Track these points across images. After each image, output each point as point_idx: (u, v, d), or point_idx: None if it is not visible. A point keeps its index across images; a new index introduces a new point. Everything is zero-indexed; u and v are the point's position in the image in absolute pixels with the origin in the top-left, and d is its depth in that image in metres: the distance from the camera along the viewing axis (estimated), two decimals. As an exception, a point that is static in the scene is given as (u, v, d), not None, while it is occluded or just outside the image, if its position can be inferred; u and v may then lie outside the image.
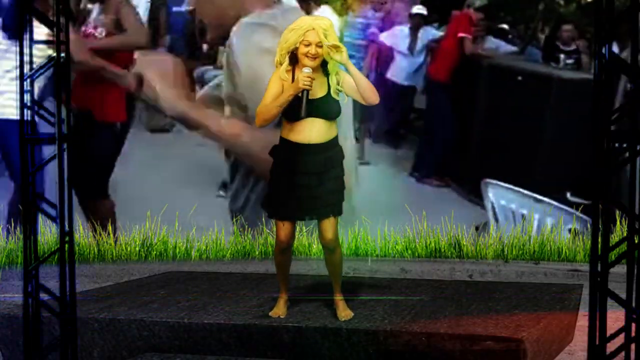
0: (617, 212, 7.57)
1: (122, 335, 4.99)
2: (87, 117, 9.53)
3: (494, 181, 9.62)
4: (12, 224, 9.34)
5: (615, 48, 3.77)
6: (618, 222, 8.74)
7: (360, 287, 5.84)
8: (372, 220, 9.36)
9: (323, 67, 4.87)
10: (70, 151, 4.07)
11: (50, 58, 4.05)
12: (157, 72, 9.58)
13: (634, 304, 3.83)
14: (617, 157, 3.83)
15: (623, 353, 3.89)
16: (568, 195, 9.40)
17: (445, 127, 9.99)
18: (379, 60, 10.11)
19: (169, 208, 9.31)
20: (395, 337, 4.60)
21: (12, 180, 9.29)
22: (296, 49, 4.81)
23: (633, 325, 3.86)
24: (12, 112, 8.74)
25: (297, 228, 7.61)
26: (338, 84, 4.87)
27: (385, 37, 10.09)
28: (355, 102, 4.98)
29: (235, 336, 4.84)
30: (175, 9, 10.35)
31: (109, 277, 8.11)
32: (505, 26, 10.02)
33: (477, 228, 9.48)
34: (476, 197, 9.74)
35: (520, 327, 4.63)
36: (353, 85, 4.84)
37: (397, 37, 10.09)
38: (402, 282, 6.32)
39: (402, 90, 10.19)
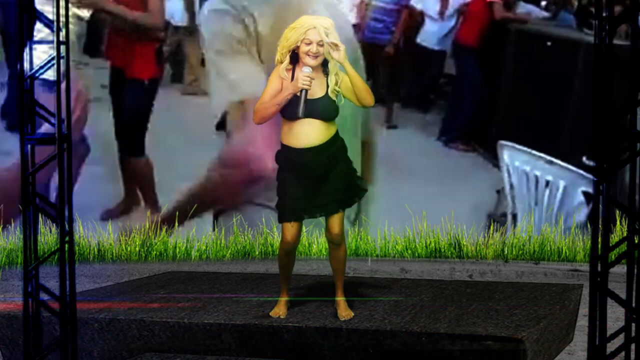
0: (617, 212, 7.58)
1: (122, 335, 4.99)
2: (119, 73, 9.67)
3: (509, 143, 9.64)
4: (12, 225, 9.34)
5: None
6: (618, 222, 8.75)
7: (360, 287, 5.84)
8: (393, 185, 9.41)
9: (324, 67, 4.87)
10: (70, 151, 4.07)
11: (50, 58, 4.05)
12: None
13: (634, 304, 3.83)
14: (617, 157, 3.83)
15: (623, 353, 3.89)
16: (584, 158, 9.42)
17: (473, 92, 9.98)
18: (409, 25, 10.07)
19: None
20: (395, 337, 4.60)
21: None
22: (297, 47, 4.81)
23: (633, 325, 3.86)
24: None
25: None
26: (336, 84, 4.87)
27: (415, 1, 10.06)
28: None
29: (235, 336, 4.84)
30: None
31: (109, 277, 8.11)
32: None
33: (493, 220, 9.49)
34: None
35: (520, 327, 4.63)
36: (351, 86, 4.85)
37: (427, 1, 10.05)
38: (402, 282, 6.31)
39: (432, 54, 10.16)
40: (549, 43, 9.71)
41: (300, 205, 4.88)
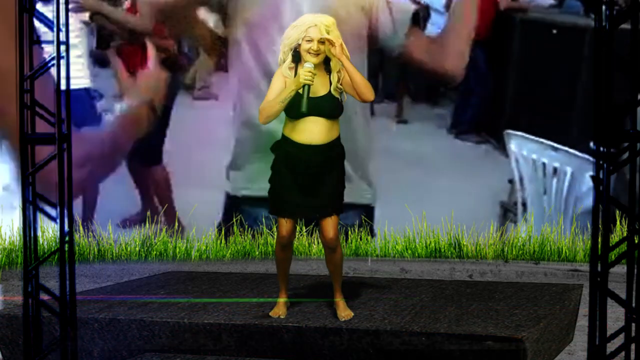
0: (617, 212, 7.58)
1: (122, 335, 4.99)
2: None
3: (516, 132, 9.67)
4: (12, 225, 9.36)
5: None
6: (618, 222, 8.75)
7: (360, 287, 5.84)
8: (406, 177, 9.44)
9: (326, 65, 4.87)
10: (70, 151, 4.07)
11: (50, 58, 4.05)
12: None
13: (634, 304, 3.83)
14: (617, 157, 3.83)
15: (623, 353, 3.89)
16: (591, 144, 9.45)
17: (482, 83, 9.99)
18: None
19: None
20: (395, 337, 4.60)
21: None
22: (298, 45, 4.81)
23: (633, 325, 3.86)
24: None
25: (297, 228, 7.60)
26: (338, 81, 4.87)
27: None
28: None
29: (235, 336, 4.84)
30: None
31: (109, 277, 8.11)
32: None
33: (507, 209, 9.50)
34: (513, 151, 9.88)
35: (520, 327, 4.63)
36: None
37: None
38: (402, 282, 6.31)
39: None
40: (554, 31, 9.72)
41: (295, 203, 4.88)
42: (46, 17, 4.06)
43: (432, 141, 9.85)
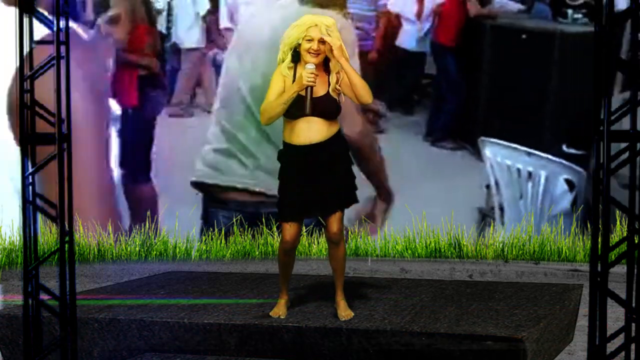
0: (617, 212, 7.58)
1: (122, 335, 4.99)
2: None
3: (490, 138, 9.73)
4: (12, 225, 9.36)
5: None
6: (618, 222, 8.75)
7: (360, 287, 5.84)
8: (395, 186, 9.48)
9: (325, 65, 4.87)
10: (70, 151, 4.07)
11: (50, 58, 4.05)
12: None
13: (634, 304, 3.83)
14: (617, 157, 3.83)
15: (623, 353, 3.89)
16: (564, 147, 9.52)
17: (454, 90, 10.05)
18: (388, 30, 10.12)
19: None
20: (395, 337, 4.60)
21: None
22: (298, 45, 4.81)
23: (633, 325, 3.86)
24: None
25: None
26: (337, 82, 4.87)
27: (392, 4, 10.10)
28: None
29: (235, 336, 4.84)
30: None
31: (109, 277, 8.11)
32: None
33: (484, 214, 9.52)
34: (488, 156, 9.93)
35: (520, 327, 4.63)
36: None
37: (404, 3, 10.10)
38: (402, 282, 6.32)
39: (412, 56, 10.21)
40: (524, 36, 9.77)
41: (300, 205, 4.88)
42: (46, 17, 4.06)
43: (409, 149, 9.88)
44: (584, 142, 9.37)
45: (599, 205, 3.80)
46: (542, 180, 9.55)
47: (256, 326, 4.83)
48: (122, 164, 9.95)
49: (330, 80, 4.87)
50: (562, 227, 9.35)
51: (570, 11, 9.72)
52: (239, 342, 4.83)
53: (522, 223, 9.46)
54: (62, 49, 4.04)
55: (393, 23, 10.11)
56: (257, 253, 9.54)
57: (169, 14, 10.12)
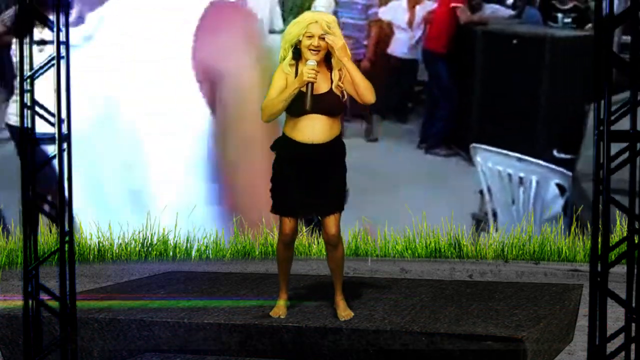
0: (617, 212, 7.58)
1: (122, 335, 4.99)
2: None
3: (481, 145, 9.76)
4: (12, 225, 9.36)
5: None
6: (618, 222, 8.75)
7: (360, 287, 5.84)
8: (385, 197, 9.46)
9: (327, 62, 4.87)
10: (70, 151, 4.07)
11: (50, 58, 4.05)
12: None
13: (634, 304, 3.83)
14: (617, 157, 3.83)
15: (623, 353, 3.89)
16: (554, 152, 9.55)
17: (447, 97, 10.08)
18: (380, 39, 10.14)
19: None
20: (395, 337, 4.60)
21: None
22: (299, 42, 4.81)
23: (633, 325, 3.86)
24: None
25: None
26: (340, 79, 4.86)
27: (383, 13, 10.13)
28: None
29: (235, 336, 4.84)
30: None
31: (109, 277, 8.11)
32: None
33: (478, 220, 9.54)
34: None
35: (520, 327, 4.63)
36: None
37: (395, 11, 10.13)
38: (402, 282, 6.32)
39: (404, 64, 10.23)
40: (514, 41, 9.79)
41: (298, 201, 4.88)
42: (46, 17, 4.06)
43: (403, 157, 9.90)
44: (575, 147, 9.39)
45: (599, 205, 3.80)
46: (534, 185, 9.59)
47: (256, 326, 4.83)
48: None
49: (332, 77, 4.87)
50: (562, 227, 9.35)
51: (560, 15, 9.74)
52: (239, 342, 4.83)
53: (522, 223, 9.46)
54: (62, 48, 4.04)
55: (385, 31, 10.14)
56: (257, 253, 9.55)
57: None
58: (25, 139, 4.09)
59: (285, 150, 4.88)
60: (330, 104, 4.84)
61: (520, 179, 9.67)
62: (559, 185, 9.52)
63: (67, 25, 4.06)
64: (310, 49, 4.77)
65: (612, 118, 3.77)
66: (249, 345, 4.82)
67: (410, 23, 10.08)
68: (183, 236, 9.57)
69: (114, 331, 4.99)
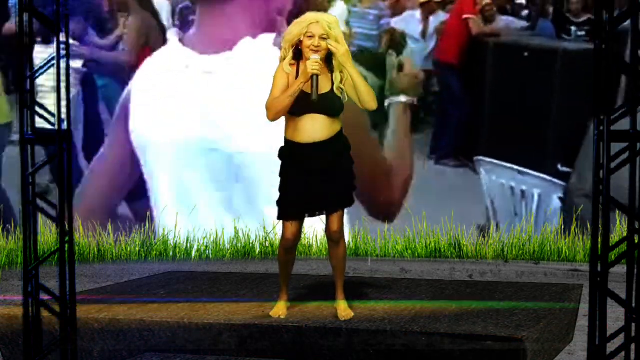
0: (617, 212, 7.58)
1: (122, 335, 4.98)
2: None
3: (485, 158, 9.77)
4: (13, 224, 9.37)
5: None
6: (618, 222, 8.75)
7: (360, 287, 5.84)
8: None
9: (328, 63, 4.86)
10: (70, 151, 4.07)
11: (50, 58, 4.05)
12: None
13: (634, 304, 3.83)
14: (616, 157, 3.83)
15: (623, 353, 3.89)
16: (559, 166, 9.56)
17: (458, 108, 10.07)
18: (392, 48, 10.14)
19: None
20: (395, 337, 4.60)
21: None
22: (300, 42, 4.81)
23: (633, 325, 3.86)
24: None
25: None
26: (341, 81, 4.86)
27: (396, 23, 10.12)
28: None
29: (235, 336, 4.84)
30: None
31: (109, 277, 8.10)
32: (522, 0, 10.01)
33: (482, 231, 9.54)
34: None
35: (520, 327, 4.63)
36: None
37: (408, 22, 10.12)
38: (402, 282, 6.32)
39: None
40: (526, 54, 9.79)
41: (302, 204, 4.88)
42: (46, 17, 4.06)
43: (415, 168, 9.92)
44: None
45: (599, 205, 3.80)
46: (536, 199, 9.61)
47: (256, 326, 4.83)
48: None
49: (334, 78, 4.87)
50: (562, 227, 9.35)
51: (574, 29, 9.73)
52: (239, 342, 4.83)
53: (522, 223, 9.47)
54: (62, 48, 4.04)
55: (397, 41, 10.13)
56: (257, 253, 9.54)
57: None
58: (25, 139, 4.09)
59: (288, 154, 4.89)
60: (331, 104, 4.84)
61: (522, 192, 9.68)
62: (561, 199, 9.54)
63: (67, 25, 4.06)
64: (311, 49, 4.77)
65: (612, 118, 3.77)
66: (249, 345, 4.82)
67: (423, 34, 10.08)
68: (183, 236, 9.57)
69: (114, 331, 4.99)
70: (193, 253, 9.54)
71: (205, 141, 9.68)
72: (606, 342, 3.81)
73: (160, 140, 9.74)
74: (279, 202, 4.93)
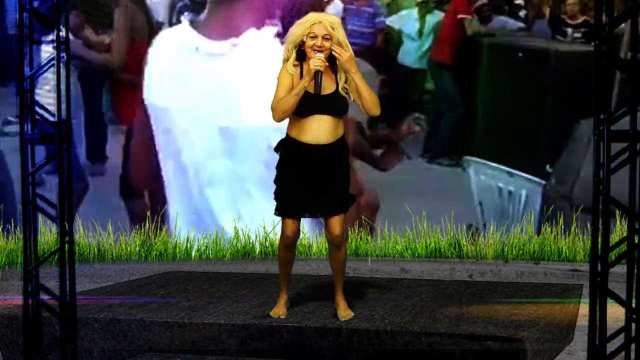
0: (617, 212, 7.58)
1: (122, 335, 4.99)
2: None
3: (474, 158, 9.79)
4: (13, 224, 9.37)
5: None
6: (618, 222, 8.75)
7: (360, 287, 5.84)
8: (391, 202, 9.48)
9: (332, 64, 4.86)
10: (70, 151, 4.07)
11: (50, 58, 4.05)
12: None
13: (634, 304, 3.83)
14: (616, 157, 3.83)
15: (623, 353, 3.89)
16: (547, 167, 9.58)
17: (452, 108, 10.08)
18: (387, 46, 10.15)
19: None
20: (395, 337, 4.60)
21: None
22: (303, 43, 4.81)
23: (633, 325, 3.85)
24: None
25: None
26: (345, 82, 4.86)
27: (392, 21, 10.12)
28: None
29: (235, 336, 4.84)
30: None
31: (109, 277, 8.11)
32: (520, 1, 10.00)
33: (474, 229, 9.55)
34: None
35: (520, 327, 4.63)
36: None
37: (404, 20, 10.12)
38: (402, 282, 6.32)
39: (412, 73, 10.23)
40: (520, 54, 9.80)
41: (302, 203, 4.88)
42: (46, 17, 4.06)
43: (406, 166, 9.91)
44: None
45: (599, 205, 3.80)
46: (522, 199, 9.63)
47: (256, 326, 4.83)
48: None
49: (338, 78, 4.87)
50: (562, 227, 9.36)
51: (570, 30, 9.74)
52: (239, 342, 4.83)
53: (522, 223, 9.47)
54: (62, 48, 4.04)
55: (393, 39, 10.13)
56: (257, 253, 9.54)
57: None
58: (25, 139, 4.09)
59: (290, 152, 4.88)
60: (336, 105, 4.84)
61: (510, 192, 9.72)
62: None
63: (67, 25, 4.06)
64: (314, 49, 4.77)
65: (612, 118, 3.77)
66: (249, 345, 4.82)
67: (420, 32, 10.08)
68: (183, 236, 9.57)
69: (114, 331, 4.99)
70: (193, 253, 9.54)
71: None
72: (606, 342, 3.81)
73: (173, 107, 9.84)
74: (277, 198, 4.93)
